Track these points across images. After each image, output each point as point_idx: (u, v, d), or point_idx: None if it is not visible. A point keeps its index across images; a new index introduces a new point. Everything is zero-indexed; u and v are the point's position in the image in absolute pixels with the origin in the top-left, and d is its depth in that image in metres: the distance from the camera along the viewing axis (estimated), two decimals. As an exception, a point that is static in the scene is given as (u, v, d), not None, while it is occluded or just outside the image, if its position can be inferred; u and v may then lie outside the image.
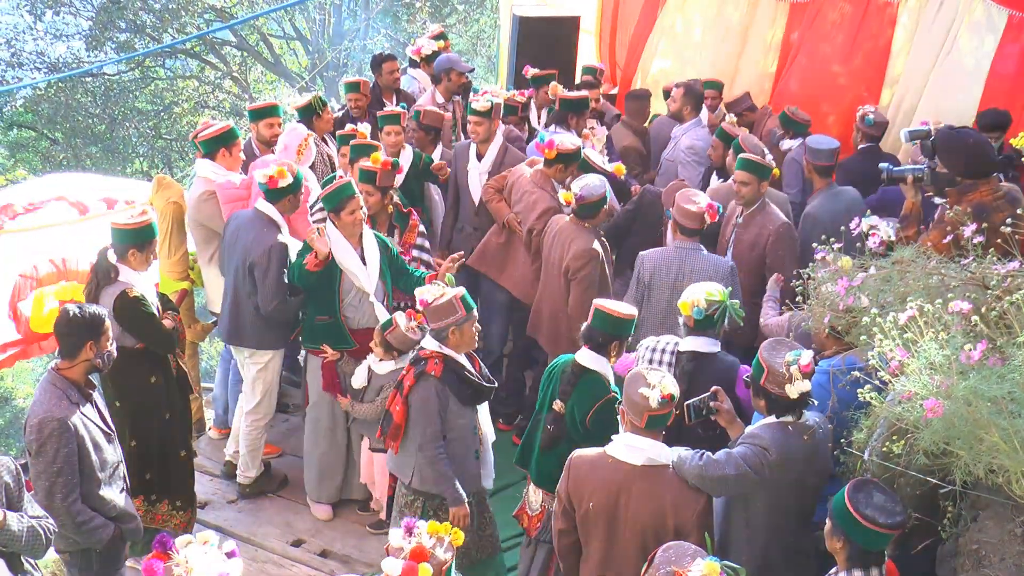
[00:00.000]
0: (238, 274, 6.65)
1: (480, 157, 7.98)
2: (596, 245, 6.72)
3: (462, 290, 5.55)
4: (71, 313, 4.96)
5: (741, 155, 7.14)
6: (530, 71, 9.61)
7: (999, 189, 5.47)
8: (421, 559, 3.71)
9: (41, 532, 4.36)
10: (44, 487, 4.84)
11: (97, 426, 5.05)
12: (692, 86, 9.40)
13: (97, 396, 5.18)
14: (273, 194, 6.56)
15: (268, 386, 6.95)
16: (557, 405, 5.44)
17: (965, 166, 5.50)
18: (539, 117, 9.47)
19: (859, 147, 8.52)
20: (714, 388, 5.05)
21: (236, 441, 7.26)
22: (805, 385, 4.42)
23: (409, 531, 3.85)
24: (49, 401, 4.89)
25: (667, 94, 9.65)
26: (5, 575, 4.31)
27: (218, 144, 7.15)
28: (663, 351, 5.61)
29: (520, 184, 7.44)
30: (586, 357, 5.39)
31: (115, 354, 5.13)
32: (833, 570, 3.99)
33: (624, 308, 5.41)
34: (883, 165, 6.29)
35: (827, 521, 3.99)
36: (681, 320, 5.56)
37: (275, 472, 7.41)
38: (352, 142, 7.54)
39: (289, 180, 6.55)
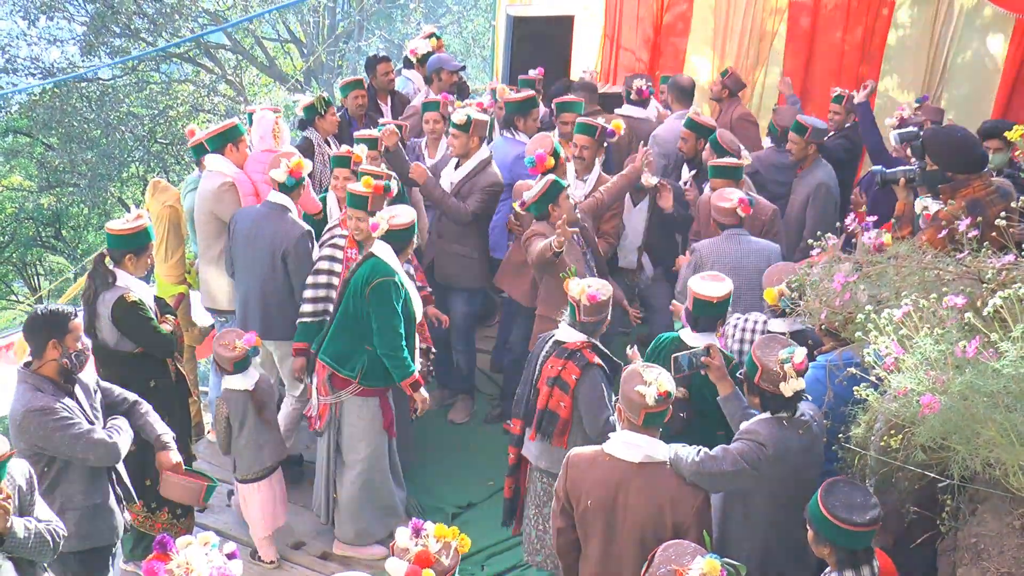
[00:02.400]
0: (264, 267, 6.73)
1: (458, 168, 7.80)
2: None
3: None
4: (35, 312, 4.96)
5: (712, 163, 7.31)
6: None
7: (991, 184, 5.49)
8: (425, 564, 3.70)
9: (49, 537, 4.37)
10: (70, 454, 4.87)
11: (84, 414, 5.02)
12: (678, 80, 9.45)
13: (80, 392, 5.09)
14: (295, 184, 6.77)
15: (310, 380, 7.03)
16: (680, 392, 5.42)
17: (955, 161, 5.52)
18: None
19: (845, 126, 8.80)
20: (707, 343, 5.12)
21: None
22: (799, 383, 4.44)
23: (416, 532, 3.84)
24: (24, 397, 4.87)
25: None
26: None
27: (224, 140, 7.18)
28: (752, 330, 5.80)
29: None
30: (693, 338, 5.47)
31: (87, 355, 5.03)
32: (827, 569, 4.01)
33: (716, 290, 5.46)
34: (876, 168, 6.34)
35: (808, 530, 4.02)
36: (766, 306, 5.75)
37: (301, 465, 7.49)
38: (334, 153, 7.29)
39: (309, 169, 6.86)
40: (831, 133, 8.75)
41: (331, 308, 6.54)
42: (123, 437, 5.04)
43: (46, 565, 4.58)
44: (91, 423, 5.04)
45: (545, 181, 6.81)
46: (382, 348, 6.13)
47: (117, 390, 5.34)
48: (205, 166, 7.26)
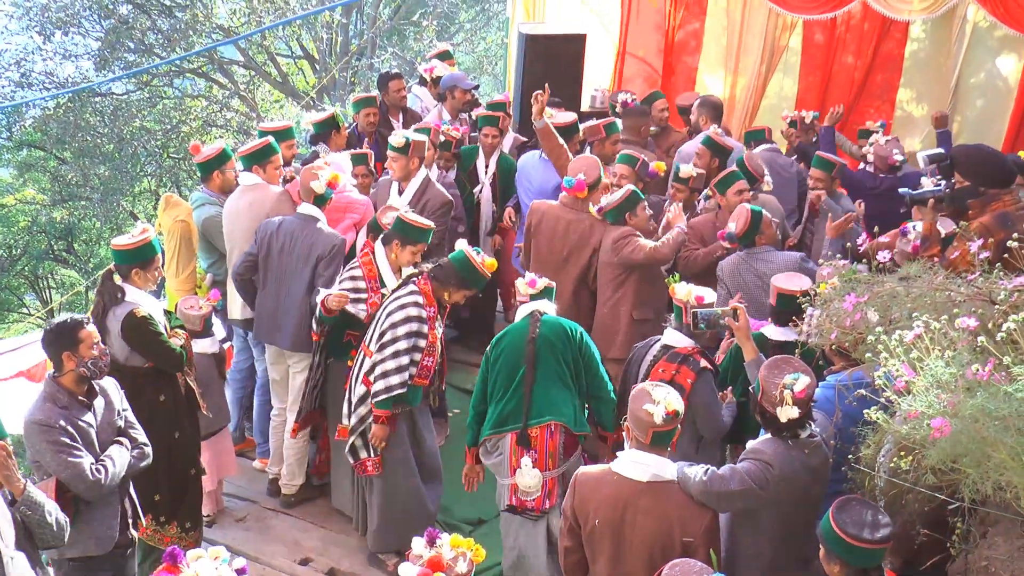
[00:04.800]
0: (298, 279, 6.79)
1: (401, 192, 7.73)
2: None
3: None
4: (47, 327, 5.10)
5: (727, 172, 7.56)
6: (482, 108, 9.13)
7: (1020, 200, 5.51)
8: (437, 569, 3.77)
9: (62, 519, 4.55)
10: (56, 475, 4.88)
11: (96, 431, 5.08)
12: (707, 99, 9.49)
13: (101, 406, 5.17)
14: (331, 195, 6.93)
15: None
16: None
17: (989, 176, 5.55)
18: (487, 166, 8.92)
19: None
20: (733, 304, 5.32)
21: (280, 457, 7.32)
22: (793, 412, 4.41)
23: (431, 542, 3.89)
24: (35, 404, 5.01)
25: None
26: (26, 570, 4.36)
27: (252, 161, 7.30)
28: None
29: (551, 217, 7.41)
30: (777, 332, 5.68)
31: (105, 360, 5.12)
32: None
33: (797, 286, 5.62)
34: (903, 190, 6.36)
35: (820, 548, 4.01)
36: (770, 309, 5.94)
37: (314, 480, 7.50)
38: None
39: (344, 183, 7.09)
40: (789, 154, 9.08)
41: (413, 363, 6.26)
42: (110, 473, 5.03)
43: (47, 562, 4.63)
44: (100, 442, 5.10)
45: (625, 191, 7.01)
46: (606, 397, 6.01)
47: (135, 433, 5.37)
48: (237, 181, 7.39)
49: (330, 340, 6.76)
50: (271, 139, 7.44)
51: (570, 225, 7.27)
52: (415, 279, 6.23)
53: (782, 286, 5.72)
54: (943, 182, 6.02)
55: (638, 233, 6.96)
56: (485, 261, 6.22)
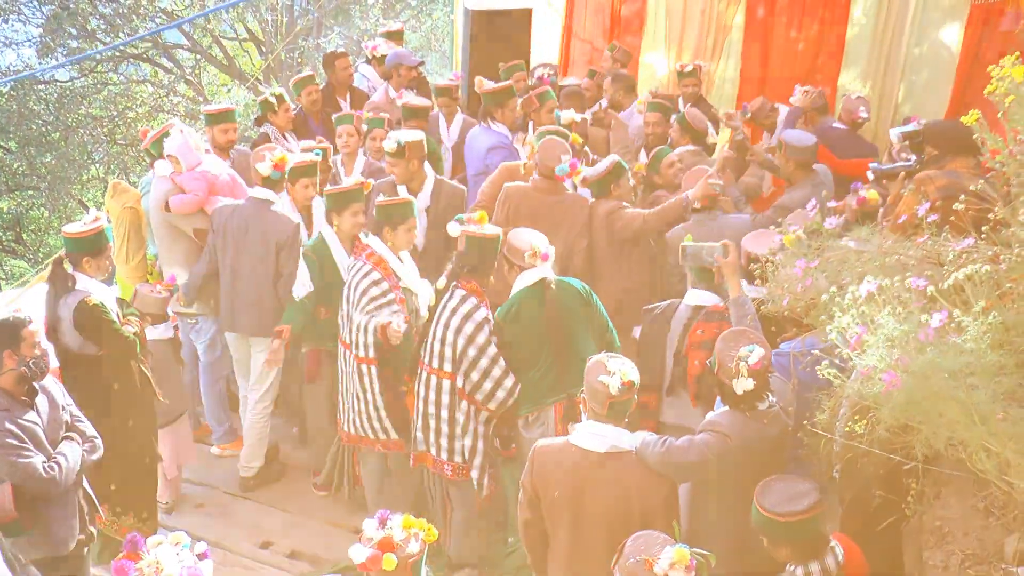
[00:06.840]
0: (256, 264, 6.74)
1: (413, 195, 7.24)
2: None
3: None
4: None
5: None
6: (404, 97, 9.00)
7: (976, 168, 5.59)
8: (388, 549, 3.81)
9: None
10: (7, 478, 4.83)
11: (42, 430, 4.99)
12: (619, 74, 9.75)
13: (44, 404, 5.08)
14: (279, 178, 6.83)
15: (277, 373, 7.04)
16: None
17: (956, 143, 5.64)
18: None
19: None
20: (724, 242, 5.34)
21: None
22: (748, 384, 4.44)
23: (383, 523, 3.93)
24: None
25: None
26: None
27: (160, 149, 7.21)
28: None
29: (533, 200, 7.15)
30: (752, 290, 5.56)
31: (47, 359, 5.02)
32: (790, 567, 4.02)
33: (765, 247, 5.56)
34: (872, 165, 6.45)
35: (764, 540, 4.06)
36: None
37: (274, 462, 7.48)
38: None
39: (291, 163, 6.89)
40: (688, 106, 9.05)
41: None
42: (65, 469, 4.97)
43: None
44: (49, 440, 5.02)
45: (610, 161, 6.95)
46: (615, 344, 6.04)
47: (83, 426, 5.30)
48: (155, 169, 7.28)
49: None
50: (173, 122, 7.42)
51: (553, 207, 7.03)
52: (456, 285, 6.02)
53: (751, 248, 5.69)
54: (912, 156, 6.13)
55: (625, 204, 6.91)
56: (475, 220, 6.13)
